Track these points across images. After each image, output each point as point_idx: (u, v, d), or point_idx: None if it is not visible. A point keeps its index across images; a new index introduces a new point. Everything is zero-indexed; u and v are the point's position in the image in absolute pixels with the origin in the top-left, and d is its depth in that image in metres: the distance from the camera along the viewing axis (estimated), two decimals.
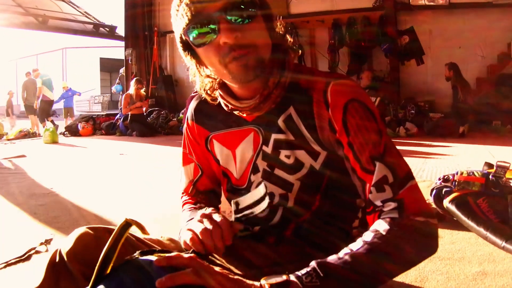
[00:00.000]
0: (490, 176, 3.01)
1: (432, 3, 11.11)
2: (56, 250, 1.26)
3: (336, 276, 1.02)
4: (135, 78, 12.51)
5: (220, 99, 1.40)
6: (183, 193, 1.64)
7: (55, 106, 16.98)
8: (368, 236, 1.10)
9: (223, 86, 1.38)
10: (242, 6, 1.19)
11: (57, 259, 1.23)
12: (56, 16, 17.04)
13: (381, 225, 1.12)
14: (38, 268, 1.29)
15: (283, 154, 1.34)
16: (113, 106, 25.02)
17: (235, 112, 1.38)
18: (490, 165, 3.25)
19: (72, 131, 12.87)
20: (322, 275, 1.00)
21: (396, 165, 1.19)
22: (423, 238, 1.14)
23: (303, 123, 1.31)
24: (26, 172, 6.30)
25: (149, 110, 12.82)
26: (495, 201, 2.89)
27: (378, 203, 1.17)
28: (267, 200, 1.39)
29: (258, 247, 1.42)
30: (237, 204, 1.47)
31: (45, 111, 15.18)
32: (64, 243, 1.25)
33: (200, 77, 1.40)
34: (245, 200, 1.45)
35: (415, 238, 1.12)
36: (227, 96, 1.36)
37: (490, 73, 10.69)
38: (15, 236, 3.17)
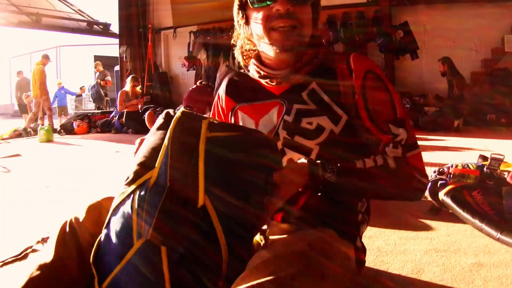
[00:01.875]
0: (485, 169, 3.03)
1: None
2: (66, 222, 1.37)
3: (348, 182, 1.33)
4: (131, 76, 12.46)
5: (252, 68, 1.58)
6: None
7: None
8: (379, 160, 1.39)
9: (258, 56, 1.57)
10: None
11: (68, 229, 1.35)
12: (50, 14, 16.98)
13: (390, 157, 1.40)
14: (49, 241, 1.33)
15: (305, 121, 1.47)
16: (108, 103, 24.93)
17: (263, 81, 1.55)
18: (484, 158, 3.27)
19: (67, 129, 12.81)
20: (339, 174, 1.30)
21: (410, 131, 1.45)
22: (413, 184, 1.42)
23: (326, 92, 1.47)
24: (21, 171, 6.30)
25: (144, 107, 12.79)
26: (490, 193, 2.90)
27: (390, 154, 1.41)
28: None
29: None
30: None
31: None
32: (74, 213, 1.32)
33: (242, 39, 1.59)
34: None
35: (408, 180, 1.41)
36: (260, 64, 1.54)
37: (484, 68, 10.69)
38: (11, 235, 3.16)
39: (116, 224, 1.12)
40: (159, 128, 1.26)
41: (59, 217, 3.49)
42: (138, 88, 12.12)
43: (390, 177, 1.36)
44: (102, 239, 1.16)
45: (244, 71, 1.68)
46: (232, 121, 1.65)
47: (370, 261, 2.36)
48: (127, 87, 11.89)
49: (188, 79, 14.51)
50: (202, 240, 1.06)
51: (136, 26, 15.42)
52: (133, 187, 1.14)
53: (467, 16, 10.58)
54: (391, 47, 11.24)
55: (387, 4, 11.38)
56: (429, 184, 3.24)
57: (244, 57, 1.60)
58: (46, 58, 13.65)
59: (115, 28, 17.66)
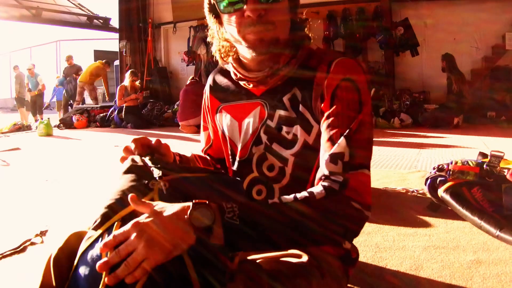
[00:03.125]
0: (485, 166, 3.02)
1: None
2: (50, 257, 1.23)
3: (255, 222, 1.08)
4: (130, 70, 12.45)
5: (231, 68, 1.53)
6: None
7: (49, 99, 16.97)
8: (302, 194, 1.17)
9: (236, 55, 1.49)
10: None
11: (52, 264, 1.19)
12: (50, 8, 16.95)
13: (318, 190, 1.18)
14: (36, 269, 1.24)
15: (284, 130, 1.42)
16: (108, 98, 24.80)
17: (242, 83, 1.49)
18: (484, 155, 3.26)
19: (67, 123, 12.82)
20: (243, 216, 1.06)
21: (358, 149, 1.25)
22: (348, 222, 1.19)
23: (303, 99, 1.39)
24: (21, 165, 6.31)
25: (143, 102, 12.78)
26: (490, 191, 2.90)
27: (326, 172, 1.23)
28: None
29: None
30: None
31: (36, 103, 15.37)
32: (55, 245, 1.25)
33: (217, 39, 1.51)
34: None
35: (342, 218, 1.17)
36: (238, 66, 1.48)
37: (484, 65, 10.69)
38: (10, 228, 3.16)
39: (85, 268, 1.07)
40: (126, 172, 1.21)
41: (58, 210, 3.51)
42: (137, 83, 12.11)
43: (315, 208, 1.15)
44: (70, 283, 1.10)
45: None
46: (217, 121, 1.64)
47: (369, 257, 2.37)
48: (126, 81, 11.89)
49: (187, 74, 14.46)
50: (175, 285, 1.02)
51: (136, 21, 15.40)
52: (100, 231, 1.09)
53: (468, 13, 10.59)
54: (391, 43, 11.24)
55: (387, 0, 11.37)
56: (429, 180, 3.24)
57: (222, 56, 1.52)
58: (107, 65, 15.59)
59: (115, 22, 17.65)
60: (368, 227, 2.79)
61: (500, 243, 2.50)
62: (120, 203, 1.12)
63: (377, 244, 2.55)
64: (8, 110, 25.81)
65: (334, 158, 1.23)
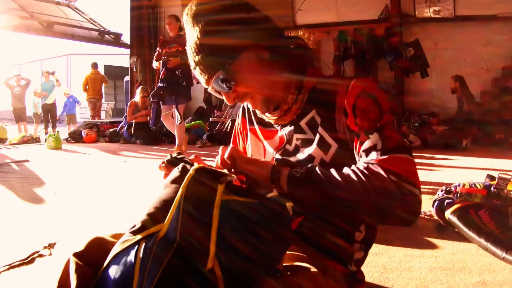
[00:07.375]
0: (492, 188, 3.02)
1: (437, 16, 11.15)
2: (68, 261, 1.23)
3: (314, 179, 1.26)
4: (141, 87, 12.50)
5: None
6: None
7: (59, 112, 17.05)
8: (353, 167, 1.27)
9: None
10: (222, 78, 1.38)
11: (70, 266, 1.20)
12: (62, 22, 17.11)
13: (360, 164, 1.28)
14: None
15: (301, 151, 1.48)
16: (117, 113, 24.83)
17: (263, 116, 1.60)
18: (492, 177, 3.27)
19: (76, 137, 12.88)
20: (306, 174, 1.27)
21: (391, 138, 1.29)
22: (389, 188, 1.20)
23: (322, 120, 1.44)
24: (29, 177, 6.33)
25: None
26: (497, 213, 2.90)
27: (364, 164, 1.27)
28: None
29: None
30: None
31: (50, 114, 15.54)
32: (76, 248, 1.26)
33: None
34: None
35: (377, 186, 1.20)
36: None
37: (494, 86, 10.69)
38: (18, 239, 3.18)
39: (115, 271, 1.08)
40: (173, 182, 1.22)
41: (66, 223, 3.52)
42: (147, 99, 12.15)
43: (355, 182, 1.22)
44: (98, 283, 1.11)
45: None
46: (248, 141, 1.74)
47: (375, 278, 2.37)
48: (137, 97, 11.94)
49: (197, 92, 14.53)
50: None
51: (147, 37, 15.54)
52: (139, 236, 1.12)
53: (478, 35, 10.61)
54: (401, 65, 11.25)
55: (398, 21, 11.42)
56: (437, 202, 3.24)
57: None
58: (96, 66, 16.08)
59: (126, 38, 17.79)
60: (374, 248, 2.79)
61: (506, 265, 2.50)
62: (162, 213, 1.15)
63: (383, 264, 2.55)
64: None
65: (368, 152, 1.29)
